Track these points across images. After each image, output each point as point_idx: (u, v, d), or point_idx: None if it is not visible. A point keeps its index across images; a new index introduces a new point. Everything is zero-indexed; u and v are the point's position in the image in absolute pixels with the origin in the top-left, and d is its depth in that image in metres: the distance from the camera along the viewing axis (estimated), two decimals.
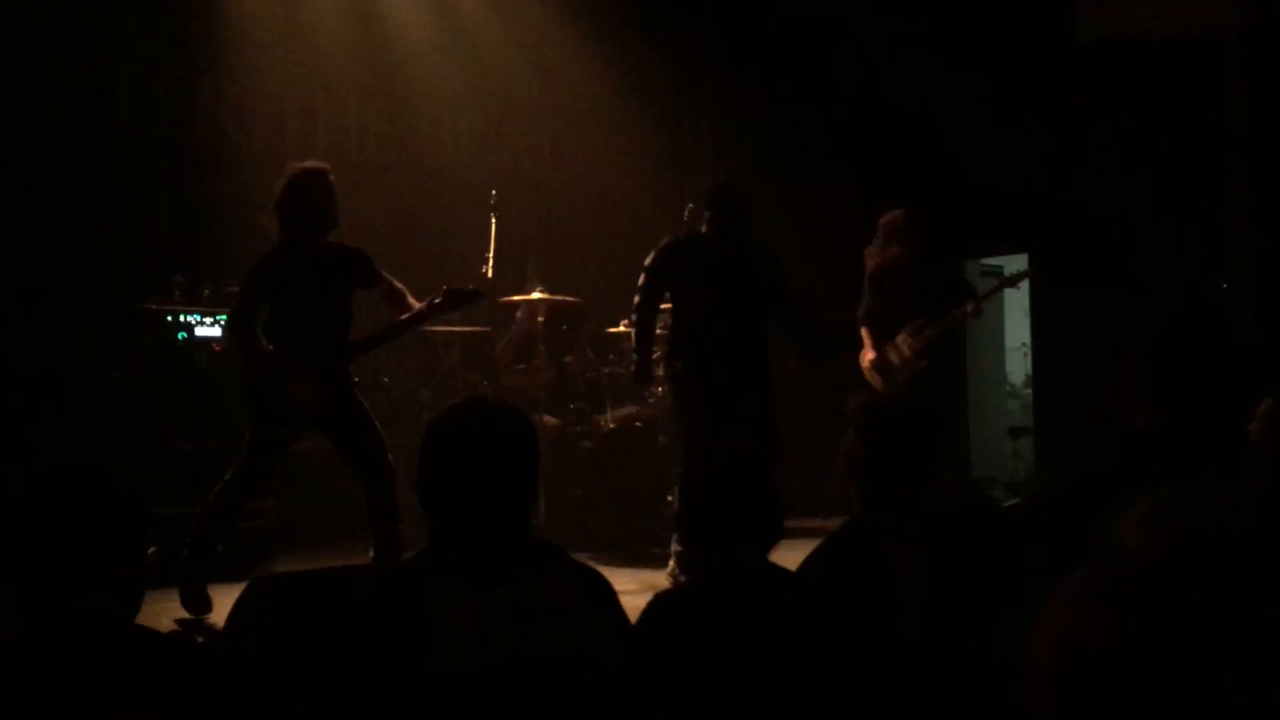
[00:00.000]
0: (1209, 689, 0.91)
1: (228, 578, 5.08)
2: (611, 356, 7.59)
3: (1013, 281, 7.54)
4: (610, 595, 2.37)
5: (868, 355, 6.91)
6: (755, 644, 2.30)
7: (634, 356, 6.12)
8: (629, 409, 7.32)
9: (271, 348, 5.06)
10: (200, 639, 4.42)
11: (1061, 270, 8.91)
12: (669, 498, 6.92)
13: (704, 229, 6.04)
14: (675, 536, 5.83)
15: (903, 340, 6.82)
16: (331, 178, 5.16)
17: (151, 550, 2.02)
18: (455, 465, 2.24)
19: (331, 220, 5.14)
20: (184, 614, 5.02)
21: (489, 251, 6.58)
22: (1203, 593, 0.94)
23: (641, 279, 6.04)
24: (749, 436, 5.75)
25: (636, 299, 6.07)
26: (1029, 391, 10.26)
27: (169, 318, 6.42)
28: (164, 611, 4.97)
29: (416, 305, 5.24)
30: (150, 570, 2.03)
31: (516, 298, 7.20)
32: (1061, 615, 0.99)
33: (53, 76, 6.99)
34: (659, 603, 2.47)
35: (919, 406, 3.16)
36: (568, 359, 7.51)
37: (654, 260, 6.05)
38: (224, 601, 3.01)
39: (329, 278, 5.12)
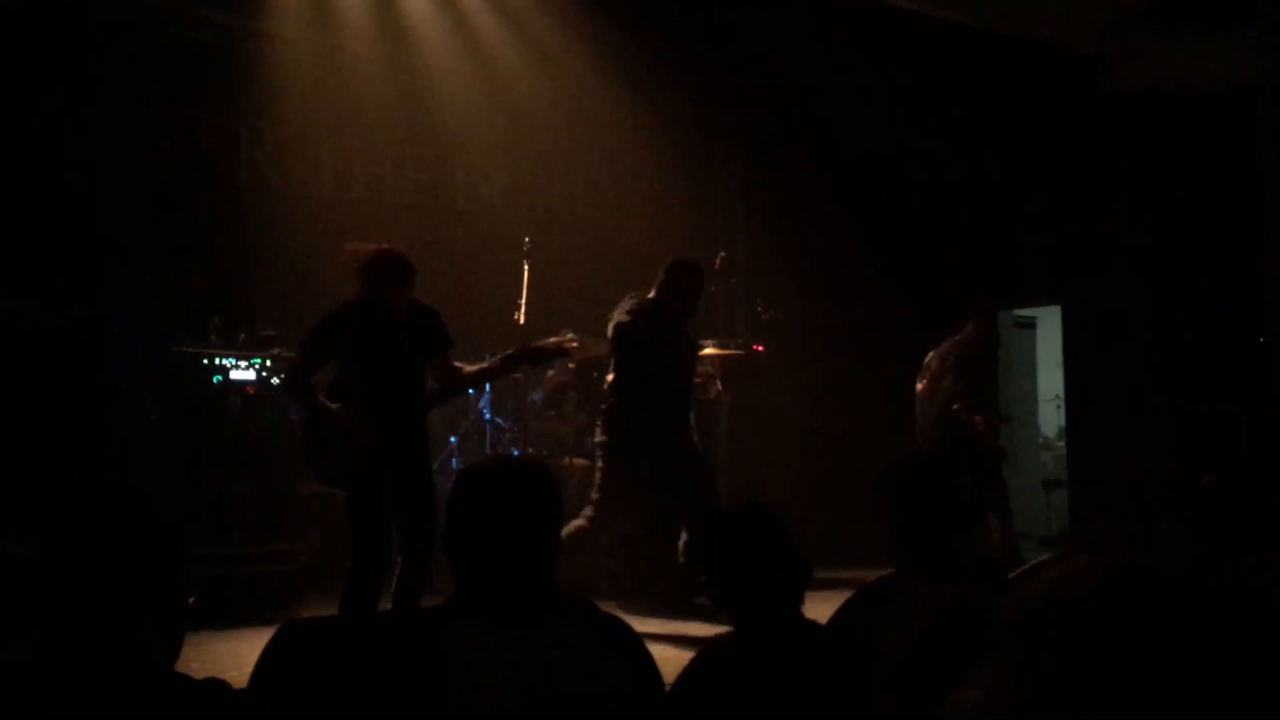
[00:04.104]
0: None
1: (258, 620, 5.11)
2: None
3: None
4: (633, 642, 2.39)
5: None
6: (797, 701, 2.29)
7: None
8: None
9: (335, 406, 4.93)
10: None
11: (1095, 322, 8.89)
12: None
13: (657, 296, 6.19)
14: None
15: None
16: (409, 260, 5.09)
17: (190, 601, 2.03)
18: (481, 517, 2.28)
19: (409, 287, 5.06)
20: (213, 658, 5.05)
21: (521, 298, 6.63)
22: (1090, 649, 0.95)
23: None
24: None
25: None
26: (1062, 444, 10.19)
27: (205, 361, 6.46)
28: (195, 656, 4.99)
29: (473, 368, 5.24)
30: (189, 614, 2.05)
31: None
32: (975, 694, 1.00)
33: (95, 119, 7.10)
34: (705, 657, 2.46)
35: (948, 458, 3.19)
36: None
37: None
38: (255, 645, 3.03)
39: (405, 338, 5.03)
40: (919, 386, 7.39)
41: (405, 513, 5.01)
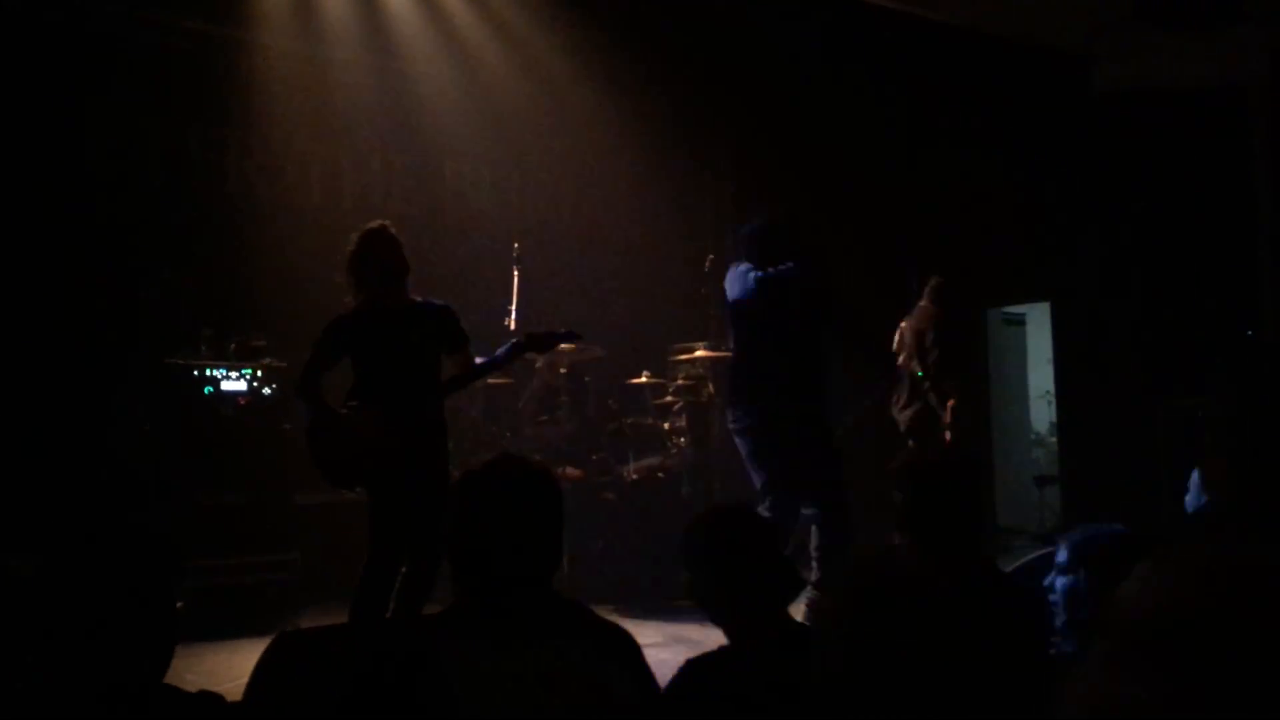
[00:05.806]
0: None
1: (253, 631, 5.09)
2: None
3: None
4: (633, 651, 2.38)
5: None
6: (793, 707, 2.28)
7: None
8: (652, 460, 7.31)
9: (345, 410, 4.91)
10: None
11: (1084, 318, 8.90)
12: None
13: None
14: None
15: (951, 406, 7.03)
16: (391, 230, 5.09)
17: (178, 605, 2.03)
18: (481, 522, 2.27)
19: (403, 268, 5.03)
20: (208, 670, 5.03)
21: (511, 304, 6.62)
22: (1207, 649, 0.94)
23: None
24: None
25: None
26: (1054, 439, 10.20)
27: (195, 372, 6.44)
28: (189, 667, 4.98)
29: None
30: (179, 623, 2.04)
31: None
32: (1085, 689, 0.99)
33: (85, 131, 7.08)
34: (692, 667, 2.44)
35: (964, 458, 3.17)
36: (614, 409, 7.55)
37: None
38: (250, 656, 3.02)
39: (409, 334, 4.99)
40: (899, 360, 7.44)
41: (418, 516, 4.84)
